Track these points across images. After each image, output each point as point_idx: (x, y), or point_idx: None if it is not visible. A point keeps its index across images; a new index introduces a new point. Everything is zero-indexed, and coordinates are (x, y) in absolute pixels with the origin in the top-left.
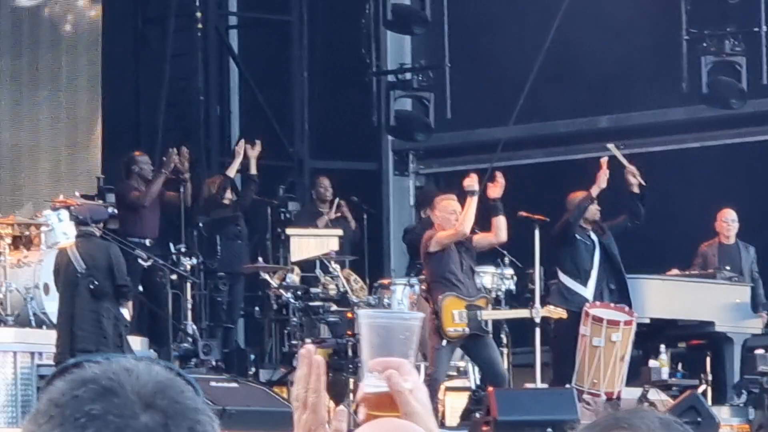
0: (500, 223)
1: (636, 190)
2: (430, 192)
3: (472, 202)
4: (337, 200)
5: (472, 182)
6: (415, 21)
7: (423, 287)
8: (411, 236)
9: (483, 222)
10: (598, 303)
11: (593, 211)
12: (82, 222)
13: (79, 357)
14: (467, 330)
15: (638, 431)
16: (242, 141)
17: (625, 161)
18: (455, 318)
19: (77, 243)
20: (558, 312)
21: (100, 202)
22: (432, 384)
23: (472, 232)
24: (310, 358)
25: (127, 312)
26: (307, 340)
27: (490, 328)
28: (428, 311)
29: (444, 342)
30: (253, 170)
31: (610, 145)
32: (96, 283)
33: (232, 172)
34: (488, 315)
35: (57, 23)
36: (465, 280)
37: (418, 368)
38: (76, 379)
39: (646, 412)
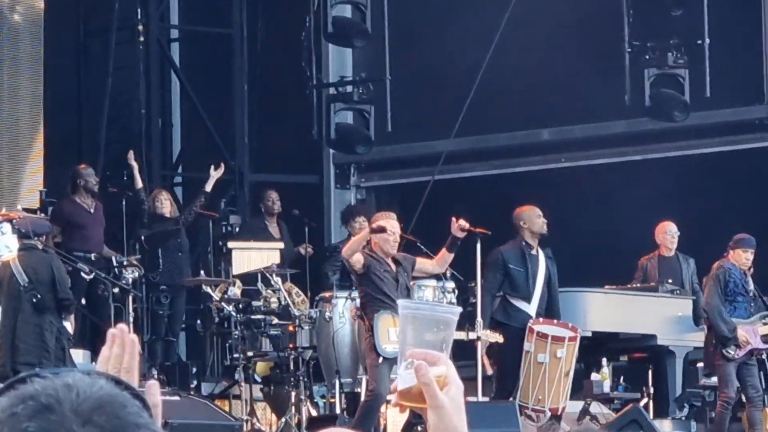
0: (448, 258)
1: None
2: (354, 208)
3: (365, 234)
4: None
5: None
6: (355, 34)
7: (358, 305)
8: (338, 251)
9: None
10: (541, 319)
11: (540, 224)
12: (24, 235)
13: (24, 372)
14: None
15: None
16: (131, 152)
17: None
18: (390, 335)
19: (20, 256)
20: (495, 337)
21: (42, 215)
22: (376, 399)
23: (421, 253)
24: (123, 337)
25: (69, 325)
26: (249, 353)
27: None
28: (363, 329)
29: (380, 359)
30: (209, 187)
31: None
32: (39, 296)
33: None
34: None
35: None
36: (399, 298)
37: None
38: (18, 395)
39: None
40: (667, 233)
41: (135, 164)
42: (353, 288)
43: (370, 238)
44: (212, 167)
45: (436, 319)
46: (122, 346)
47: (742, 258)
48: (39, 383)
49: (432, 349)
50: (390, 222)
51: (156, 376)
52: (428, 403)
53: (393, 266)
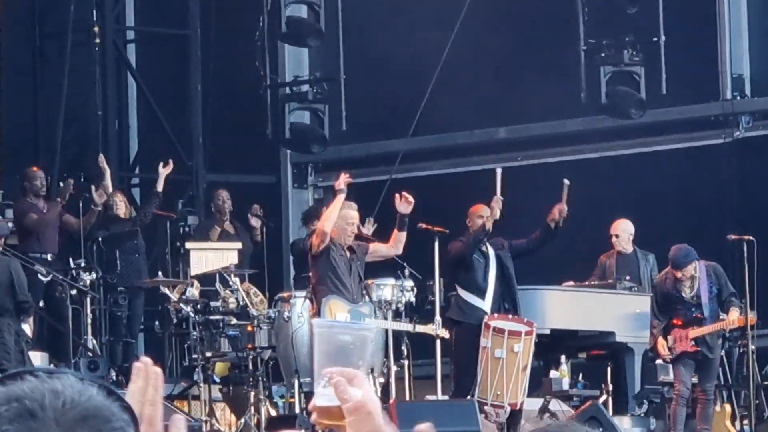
0: (401, 237)
1: (552, 225)
2: (315, 210)
3: (339, 201)
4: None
5: (341, 183)
6: (309, 33)
7: (309, 288)
8: (298, 248)
9: (386, 233)
10: (496, 315)
11: (479, 224)
12: None
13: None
14: None
15: None
16: (101, 156)
17: (565, 199)
18: (338, 320)
19: None
20: (442, 333)
21: (0, 218)
22: None
23: (369, 240)
24: (147, 371)
25: (28, 327)
26: (208, 354)
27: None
28: (311, 312)
29: None
30: (160, 187)
31: (566, 182)
32: None
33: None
34: (369, 323)
35: None
36: (351, 285)
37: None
38: (5, 394)
39: (575, 425)
40: (624, 231)
41: (107, 168)
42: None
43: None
44: (161, 165)
45: (352, 337)
46: (146, 379)
47: (678, 275)
48: (29, 384)
49: (349, 366)
50: (350, 212)
51: (115, 378)
52: (348, 419)
53: (347, 253)
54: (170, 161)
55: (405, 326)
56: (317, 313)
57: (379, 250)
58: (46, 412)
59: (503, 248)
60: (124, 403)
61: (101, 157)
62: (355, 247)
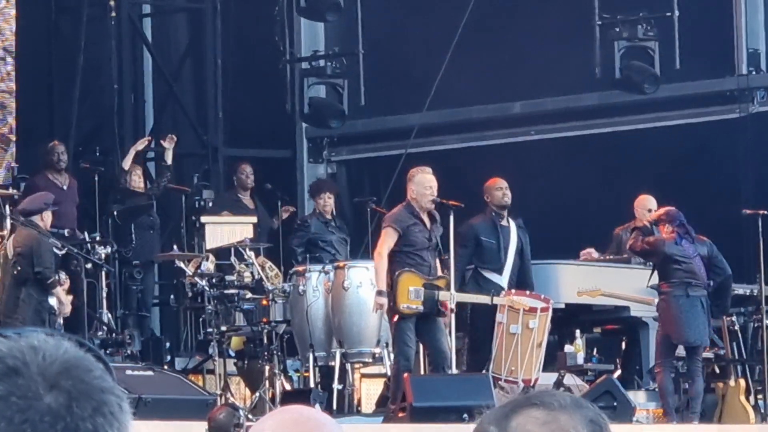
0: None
1: None
2: (322, 183)
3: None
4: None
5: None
6: (328, 8)
7: (332, 279)
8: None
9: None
10: (513, 291)
11: (499, 196)
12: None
13: None
14: (421, 308)
15: (550, 407)
16: (147, 138)
17: None
18: (410, 295)
19: (17, 232)
20: (519, 303)
21: (15, 191)
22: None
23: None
24: None
25: (55, 299)
26: (223, 328)
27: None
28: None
29: (396, 317)
30: (169, 160)
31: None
32: (19, 268)
33: (126, 164)
34: (445, 296)
35: None
36: (428, 258)
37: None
38: None
39: (557, 392)
40: (649, 208)
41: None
42: (324, 262)
43: (407, 190)
44: (163, 140)
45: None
46: None
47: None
48: (5, 344)
49: None
50: (426, 177)
51: (131, 351)
52: None
53: (428, 222)
54: (173, 135)
55: (482, 299)
56: (390, 286)
57: None
58: (30, 368)
59: (522, 227)
60: (97, 353)
61: (144, 140)
62: (437, 217)
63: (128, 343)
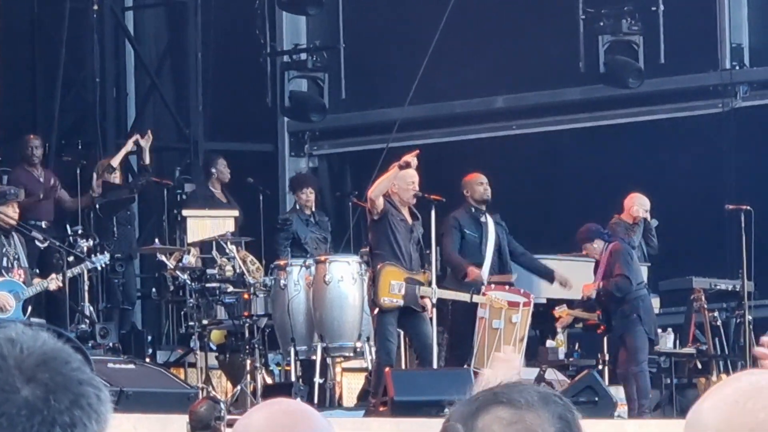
0: None
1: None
2: (303, 177)
3: (393, 173)
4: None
5: (408, 159)
6: (309, 1)
7: (313, 273)
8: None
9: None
10: (493, 285)
11: (480, 191)
12: None
13: None
14: (401, 302)
15: (517, 405)
16: (136, 135)
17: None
18: (392, 288)
19: None
20: (498, 303)
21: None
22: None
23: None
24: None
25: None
26: (204, 321)
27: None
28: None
29: (376, 310)
30: (146, 160)
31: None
32: None
33: (116, 161)
34: (425, 291)
35: None
36: (410, 251)
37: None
38: None
39: (525, 386)
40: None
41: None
42: (306, 257)
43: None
44: (139, 137)
45: None
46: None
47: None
48: None
49: None
50: (409, 171)
51: (112, 344)
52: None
53: (409, 218)
54: (149, 132)
55: (462, 296)
56: (371, 279)
57: None
58: (7, 361)
59: (501, 222)
60: (75, 344)
61: (135, 137)
62: (418, 214)
63: (101, 335)
